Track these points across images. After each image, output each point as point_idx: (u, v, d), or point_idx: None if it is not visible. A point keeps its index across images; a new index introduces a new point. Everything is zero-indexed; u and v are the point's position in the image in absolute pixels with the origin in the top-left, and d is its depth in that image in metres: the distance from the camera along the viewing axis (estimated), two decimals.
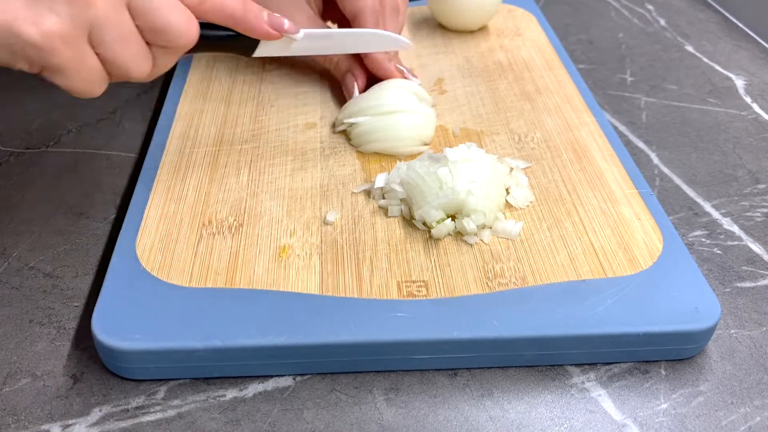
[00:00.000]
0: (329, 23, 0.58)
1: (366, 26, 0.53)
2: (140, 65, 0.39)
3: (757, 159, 0.55)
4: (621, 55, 0.69)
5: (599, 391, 0.38)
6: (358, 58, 0.55)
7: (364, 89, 0.54)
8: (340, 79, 0.56)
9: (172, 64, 0.41)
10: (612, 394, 0.37)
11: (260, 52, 0.45)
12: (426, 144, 0.51)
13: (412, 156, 0.50)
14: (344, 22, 0.56)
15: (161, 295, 0.39)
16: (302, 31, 0.46)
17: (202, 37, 0.41)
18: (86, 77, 0.38)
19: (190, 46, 0.40)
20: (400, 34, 0.54)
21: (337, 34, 0.50)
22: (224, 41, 0.44)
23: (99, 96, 0.39)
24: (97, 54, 0.38)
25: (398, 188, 0.45)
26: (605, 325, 0.38)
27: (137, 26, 0.38)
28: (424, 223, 0.44)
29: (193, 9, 0.40)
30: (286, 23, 0.45)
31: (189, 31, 0.39)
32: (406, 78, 0.53)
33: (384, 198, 0.46)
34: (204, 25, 0.42)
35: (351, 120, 0.51)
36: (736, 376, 0.38)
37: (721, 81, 0.65)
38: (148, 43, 0.39)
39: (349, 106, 0.52)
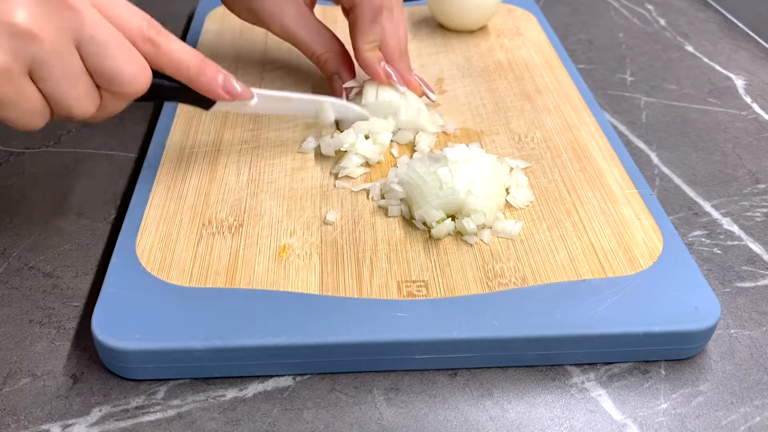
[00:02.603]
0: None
1: (362, 20, 0.51)
2: (84, 105, 0.38)
3: (757, 159, 0.55)
4: (621, 55, 0.69)
5: (599, 391, 0.38)
6: (347, 58, 0.54)
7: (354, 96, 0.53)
8: (327, 79, 0.55)
9: (120, 109, 0.40)
10: (612, 394, 0.37)
11: (217, 107, 0.45)
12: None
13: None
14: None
15: (161, 295, 0.39)
16: (256, 96, 0.45)
17: (157, 86, 0.40)
18: (24, 112, 0.37)
19: (140, 94, 0.39)
20: (403, 40, 0.52)
21: (297, 99, 0.49)
22: (179, 93, 0.43)
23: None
24: (39, 89, 0.37)
25: (398, 188, 0.45)
26: (605, 325, 0.38)
27: (87, 68, 0.37)
28: (424, 223, 0.44)
29: (148, 58, 0.39)
30: (239, 88, 0.43)
31: (140, 79, 0.38)
32: (392, 84, 0.51)
33: (384, 198, 0.46)
34: (160, 75, 0.41)
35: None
36: (736, 376, 0.38)
37: (721, 81, 0.65)
38: (97, 86, 0.38)
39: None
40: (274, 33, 0.54)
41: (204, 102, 0.44)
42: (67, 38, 0.36)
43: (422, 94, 0.53)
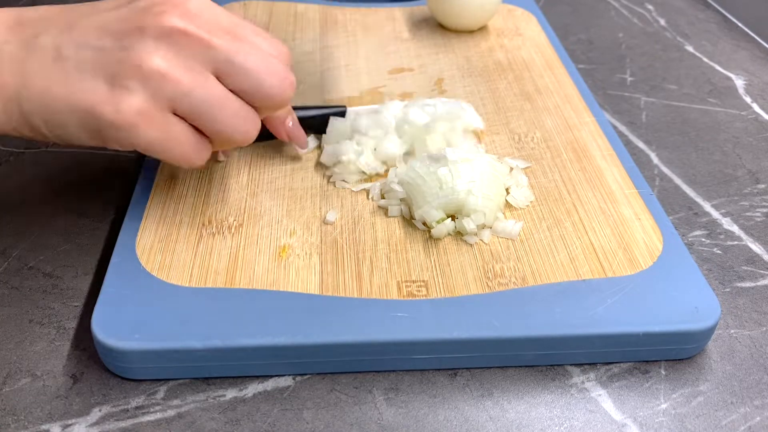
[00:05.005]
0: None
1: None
2: (241, 126, 0.39)
3: (757, 159, 0.55)
4: (621, 55, 0.69)
5: (599, 391, 0.38)
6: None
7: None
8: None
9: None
10: (612, 394, 0.37)
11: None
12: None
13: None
14: None
15: (161, 295, 0.39)
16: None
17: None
18: (181, 149, 0.38)
19: (286, 102, 0.40)
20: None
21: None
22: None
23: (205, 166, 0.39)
24: (192, 124, 0.38)
25: (398, 188, 0.45)
26: (605, 325, 0.38)
27: (231, 90, 0.38)
28: (424, 223, 0.44)
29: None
30: (300, 136, 0.48)
31: (283, 85, 0.39)
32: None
33: (383, 198, 0.46)
34: None
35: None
36: (736, 376, 0.38)
37: (721, 81, 0.65)
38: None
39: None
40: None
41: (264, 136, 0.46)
42: (201, 68, 0.37)
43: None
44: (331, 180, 0.48)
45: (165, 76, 0.36)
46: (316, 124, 0.51)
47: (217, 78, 0.38)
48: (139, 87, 0.36)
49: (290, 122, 0.47)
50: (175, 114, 0.37)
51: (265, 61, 0.38)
